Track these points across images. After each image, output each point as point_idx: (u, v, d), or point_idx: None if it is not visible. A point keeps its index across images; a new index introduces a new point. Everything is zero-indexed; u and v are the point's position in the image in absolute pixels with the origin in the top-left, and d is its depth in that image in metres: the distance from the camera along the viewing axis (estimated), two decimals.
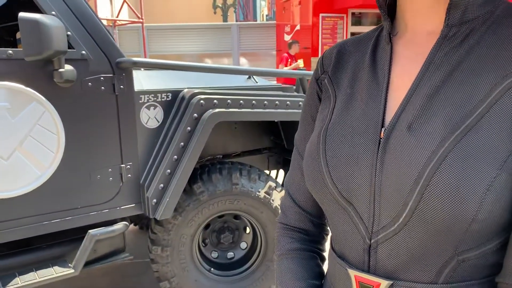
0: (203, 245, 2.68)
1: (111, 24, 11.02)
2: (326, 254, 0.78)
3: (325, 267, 0.76)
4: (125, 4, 10.87)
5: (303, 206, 0.76)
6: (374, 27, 0.71)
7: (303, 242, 0.76)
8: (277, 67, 8.30)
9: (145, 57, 11.42)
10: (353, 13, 9.05)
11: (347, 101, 0.64)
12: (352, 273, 0.61)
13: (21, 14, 1.68)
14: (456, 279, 0.54)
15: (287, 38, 10.57)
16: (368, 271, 0.59)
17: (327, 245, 0.79)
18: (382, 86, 0.61)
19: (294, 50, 8.36)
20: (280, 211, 0.81)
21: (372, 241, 0.58)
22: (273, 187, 2.50)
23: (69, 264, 2.11)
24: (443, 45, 0.56)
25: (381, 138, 0.57)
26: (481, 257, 0.53)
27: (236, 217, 2.68)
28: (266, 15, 21.02)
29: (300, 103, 2.46)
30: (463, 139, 0.50)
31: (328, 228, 0.76)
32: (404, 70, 0.60)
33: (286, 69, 7.75)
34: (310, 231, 0.78)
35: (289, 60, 8.28)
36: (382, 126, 0.58)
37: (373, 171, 0.56)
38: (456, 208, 0.49)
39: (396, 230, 0.55)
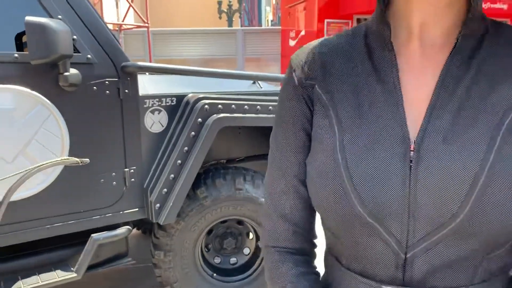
0: (206, 250, 2.67)
1: (117, 29, 11.08)
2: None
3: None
4: (131, 9, 10.94)
5: (294, 221, 0.69)
6: None
7: (303, 265, 0.69)
8: None
9: (150, 61, 11.46)
10: (358, 19, 9.06)
11: (356, 113, 0.60)
12: None
13: (28, 18, 1.68)
14: (487, 277, 0.58)
15: (292, 43, 10.58)
16: (402, 285, 0.58)
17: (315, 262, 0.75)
18: (396, 97, 0.58)
19: None
20: (264, 233, 0.72)
21: (408, 255, 0.57)
22: None
23: (72, 268, 2.10)
24: (456, 56, 0.57)
25: (411, 151, 0.55)
26: (507, 252, 0.58)
27: (239, 222, 2.66)
28: (271, 21, 21.08)
29: None
30: (502, 150, 0.52)
31: (315, 242, 0.73)
32: (418, 81, 0.58)
33: None
34: (305, 249, 0.72)
35: None
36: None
37: (406, 185, 0.55)
38: (508, 219, 0.51)
39: (436, 241, 0.55)
